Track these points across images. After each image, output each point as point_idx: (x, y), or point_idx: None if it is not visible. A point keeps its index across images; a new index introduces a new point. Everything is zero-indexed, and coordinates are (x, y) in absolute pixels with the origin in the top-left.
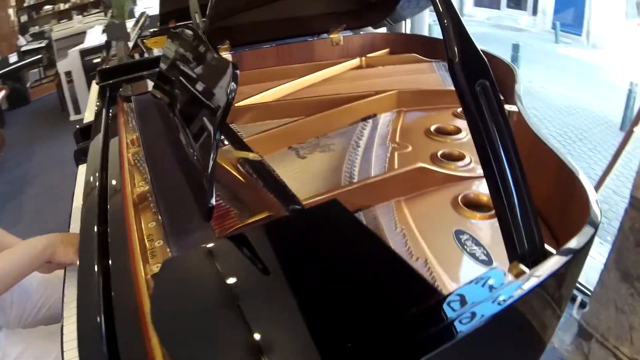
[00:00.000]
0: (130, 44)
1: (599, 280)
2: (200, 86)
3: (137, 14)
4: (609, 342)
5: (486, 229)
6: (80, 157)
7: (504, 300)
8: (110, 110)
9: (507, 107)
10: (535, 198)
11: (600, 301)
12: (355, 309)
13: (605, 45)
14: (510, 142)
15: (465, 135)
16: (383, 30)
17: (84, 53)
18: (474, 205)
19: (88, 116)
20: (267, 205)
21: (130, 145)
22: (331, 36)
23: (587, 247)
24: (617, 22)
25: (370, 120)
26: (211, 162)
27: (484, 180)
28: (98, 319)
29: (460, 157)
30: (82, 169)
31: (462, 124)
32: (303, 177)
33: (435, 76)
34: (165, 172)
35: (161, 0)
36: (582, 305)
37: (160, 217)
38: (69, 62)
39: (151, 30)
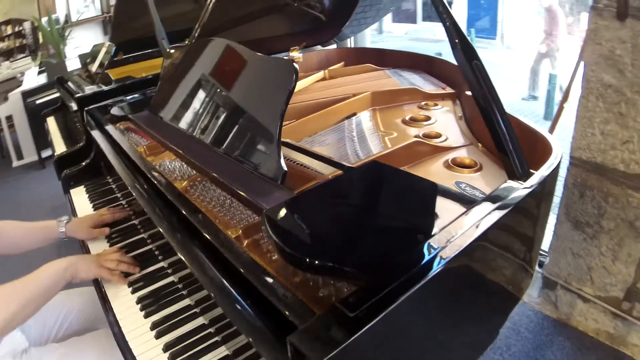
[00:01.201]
0: (93, 69)
1: (553, 233)
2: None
3: (68, 55)
4: (572, 285)
5: (475, 179)
6: (70, 182)
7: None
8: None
9: (469, 92)
10: None
11: (557, 251)
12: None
13: (519, 45)
14: (497, 97)
15: (435, 121)
16: (334, 46)
17: (26, 95)
18: (461, 165)
19: (59, 147)
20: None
21: (145, 154)
22: (291, 54)
23: (557, 170)
24: (529, 21)
25: (353, 118)
26: (278, 130)
27: (460, 149)
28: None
29: (438, 136)
30: (76, 192)
31: (429, 113)
32: (314, 162)
33: (392, 80)
34: (211, 160)
35: (112, 35)
36: (540, 265)
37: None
38: (10, 106)
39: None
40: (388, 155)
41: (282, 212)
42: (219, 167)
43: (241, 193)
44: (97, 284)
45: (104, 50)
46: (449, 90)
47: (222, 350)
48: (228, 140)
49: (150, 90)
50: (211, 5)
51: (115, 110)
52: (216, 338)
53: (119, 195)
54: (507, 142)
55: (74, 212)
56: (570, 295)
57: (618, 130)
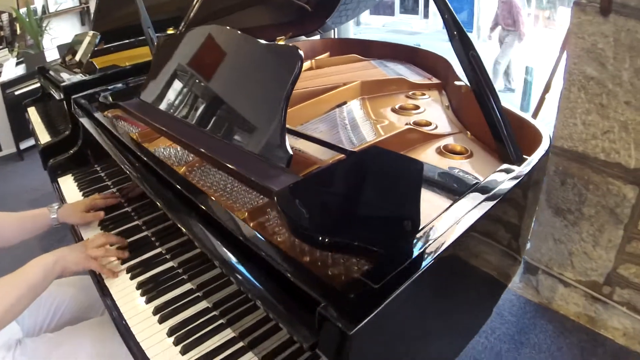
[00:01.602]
0: (77, 58)
1: (534, 220)
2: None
3: (46, 45)
4: (554, 270)
5: (466, 165)
6: (57, 171)
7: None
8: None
9: (457, 82)
10: None
11: (539, 237)
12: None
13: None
14: (492, 86)
15: (424, 110)
16: (317, 37)
17: (5, 86)
18: (452, 152)
19: (43, 137)
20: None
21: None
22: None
23: (547, 155)
24: None
25: (344, 106)
26: (283, 115)
27: (450, 137)
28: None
29: (428, 124)
30: (64, 181)
31: (417, 102)
32: (312, 147)
33: (378, 70)
34: (211, 145)
35: (94, 25)
36: None
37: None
38: None
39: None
40: (382, 142)
41: (294, 193)
42: (221, 152)
43: (248, 176)
44: (93, 272)
45: (87, 39)
46: (434, 80)
47: (228, 333)
48: (231, 126)
49: (139, 79)
50: None
51: (103, 98)
52: (221, 320)
53: (109, 183)
54: (502, 129)
55: (63, 201)
56: (551, 280)
57: (599, 121)
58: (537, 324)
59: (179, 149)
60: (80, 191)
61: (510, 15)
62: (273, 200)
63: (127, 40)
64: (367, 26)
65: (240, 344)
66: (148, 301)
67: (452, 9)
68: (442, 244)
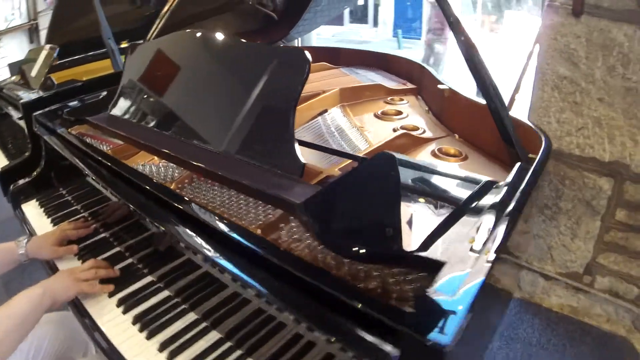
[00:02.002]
0: (34, 75)
1: None
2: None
3: None
4: (534, 265)
5: (464, 167)
6: (19, 197)
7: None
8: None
9: (440, 85)
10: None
11: (518, 233)
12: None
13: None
14: (497, 87)
15: (407, 115)
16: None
17: None
18: (447, 154)
19: None
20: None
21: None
22: None
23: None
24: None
25: (326, 114)
26: (292, 122)
27: (440, 140)
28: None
29: (415, 129)
30: (28, 207)
31: (398, 108)
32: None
33: (351, 77)
34: (205, 158)
35: (48, 40)
36: None
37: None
38: None
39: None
40: (378, 148)
41: (320, 203)
42: (220, 165)
43: (260, 189)
44: (75, 305)
45: (44, 53)
46: (409, 85)
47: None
48: (233, 137)
49: (102, 93)
50: (174, 3)
51: (67, 114)
52: (239, 351)
53: (78, 207)
54: (511, 131)
55: (29, 230)
56: (532, 275)
57: (573, 118)
58: (524, 318)
59: (161, 166)
60: (47, 218)
61: (438, 20)
62: (296, 213)
63: (84, 55)
64: (318, 36)
65: None
66: (149, 337)
67: (456, 13)
68: (494, 243)
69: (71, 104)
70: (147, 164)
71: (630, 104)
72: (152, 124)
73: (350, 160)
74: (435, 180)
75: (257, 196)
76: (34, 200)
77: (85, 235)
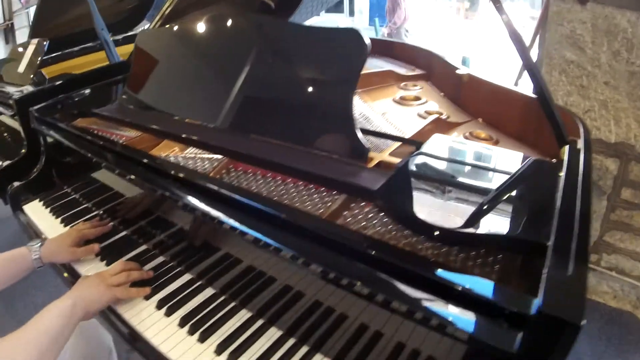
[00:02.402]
0: (21, 71)
1: None
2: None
3: None
4: None
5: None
6: (19, 199)
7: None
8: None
9: (458, 71)
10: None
11: None
12: None
13: (419, 34)
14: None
15: (425, 101)
16: None
17: None
18: (477, 138)
19: None
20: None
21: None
22: None
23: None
24: (429, 7)
25: None
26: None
27: (466, 124)
28: None
29: (440, 113)
30: (32, 208)
31: (414, 93)
32: None
33: None
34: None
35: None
36: None
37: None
38: None
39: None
40: (418, 134)
41: (397, 189)
42: (274, 154)
43: (328, 176)
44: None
45: (31, 47)
46: (418, 71)
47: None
48: (287, 124)
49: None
50: None
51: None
52: (306, 347)
53: (89, 205)
54: (556, 110)
55: (36, 232)
56: None
57: (580, 101)
58: None
59: (187, 157)
60: (56, 218)
61: (393, 8)
62: (375, 199)
63: (70, 50)
64: None
65: None
66: (203, 339)
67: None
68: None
69: (74, 95)
70: (172, 155)
71: (635, 87)
72: (178, 112)
73: (399, 144)
74: (496, 161)
75: (327, 184)
76: (37, 200)
77: (103, 235)
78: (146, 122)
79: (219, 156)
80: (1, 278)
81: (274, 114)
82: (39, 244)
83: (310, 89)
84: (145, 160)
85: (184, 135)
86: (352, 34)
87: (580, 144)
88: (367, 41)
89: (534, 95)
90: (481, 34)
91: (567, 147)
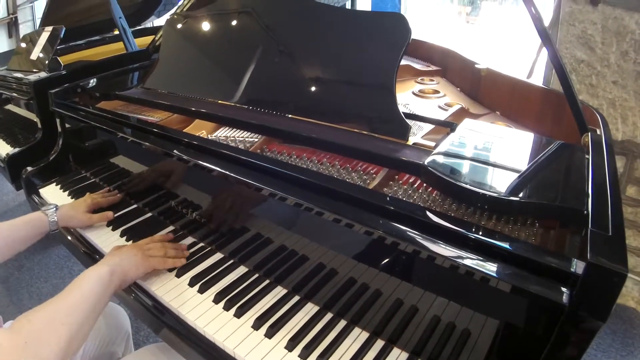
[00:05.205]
0: (35, 57)
1: None
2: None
3: None
4: None
5: None
6: (34, 182)
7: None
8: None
9: (477, 65)
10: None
11: None
12: None
13: (419, 33)
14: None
15: (444, 94)
16: None
17: None
18: None
19: (2, 149)
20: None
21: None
22: None
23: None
24: (430, 11)
25: None
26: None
27: (485, 116)
28: None
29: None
30: (49, 191)
31: (432, 87)
32: None
33: None
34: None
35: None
36: None
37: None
38: None
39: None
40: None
41: (442, 163)
42: (307, 131)
43: (375, 152)
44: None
45: (45, 35)
46: (432, 67)
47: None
48: (330, 105)
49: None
50: None
51: (91, 90)
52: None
53: (110, 188)
54: (579, 102)
55: None
56: None
57: (589, 99)
58: None
59: (219, 138)
60: (73, 199)
61: None
62: (426, 172)
63: (83, 41)
64: None
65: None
66: (239, 315)
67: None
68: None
69: (87, 83)
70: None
71: None
72: (221, 96)
73: (430, 128)
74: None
75: (373, 160)
76: (54, 184)
77: (118, 205)
78: (177, 103)
79: (252, 139)
80: (18, 240)
81: (318, 94)
82: (54, 208)
83: (356, 70)
84: (185, 140)
85: (220, 114)
86: (399, 18)
87: (600, 131)
88: (408, 23)
89: (550, 88)
90: (482, 38)
91: (589, 133)
